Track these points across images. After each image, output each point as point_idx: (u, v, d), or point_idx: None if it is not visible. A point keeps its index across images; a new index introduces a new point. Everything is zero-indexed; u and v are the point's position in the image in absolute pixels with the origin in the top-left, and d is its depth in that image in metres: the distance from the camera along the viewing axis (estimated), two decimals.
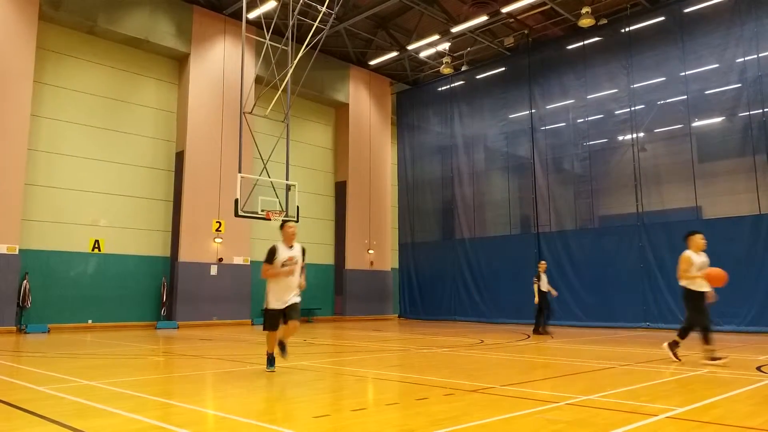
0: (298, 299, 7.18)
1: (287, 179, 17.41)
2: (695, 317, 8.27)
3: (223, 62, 20.33)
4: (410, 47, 22.06)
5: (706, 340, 8.17)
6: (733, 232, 15.62)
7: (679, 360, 8.47)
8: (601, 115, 19.54)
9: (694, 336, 8.58)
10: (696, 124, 17.50)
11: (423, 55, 22.99)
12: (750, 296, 15.07)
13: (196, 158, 19.45)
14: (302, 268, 7.28)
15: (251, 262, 20.25)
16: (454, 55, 22.61)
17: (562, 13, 19.09)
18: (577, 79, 19.84)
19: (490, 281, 20.86)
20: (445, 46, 22.01)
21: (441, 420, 4.42)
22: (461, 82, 23.52)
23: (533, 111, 20.87)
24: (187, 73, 19.75)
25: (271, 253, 7.10)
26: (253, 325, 19.60)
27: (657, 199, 17.61)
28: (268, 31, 17.15)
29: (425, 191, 24.53)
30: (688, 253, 8.46)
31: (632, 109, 18.40)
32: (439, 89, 24.23)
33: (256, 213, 16.50)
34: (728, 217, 15.97)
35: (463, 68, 23.17)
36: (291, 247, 7.21)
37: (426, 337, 14.25)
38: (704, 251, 8.53)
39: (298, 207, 17.37)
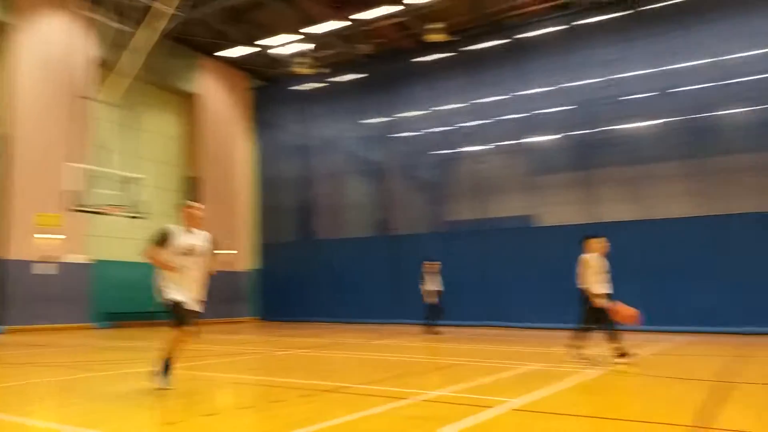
0: (199, 307, 5.99)
1: (128, 172, 16.11)
2: (592, 319, 8.45)
3: (56, 38, 18.27)
4: (268, 44, 21.67)
5: (612, 339, 8.37)
6: (560, 239, 17.46)
7: (632, 358, 8.38)
8: (449, 127, 20.79)
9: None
10: (529, 140, 19.37)
11: (282, 53, 22.70)
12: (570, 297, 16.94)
13: (28, 143, 17.23)
14: (211, 257, 6.12)
15: (91, 261, 18.45)
16: (314, 56, 22.63)
17: (413, 28, 19.96)
18: (427, 90, 20.88)
19: (349, 282, 21.10)
20: (303, 46, 21.94)
21: (297, 422, 4.40)
22: (319, 84, 23.60)
23: (387, 118, 21.57)
24: (13, 46, 17.50)
25: (163, 236, 5.81)
26: (98, 328, 17.84)
27: (496, 207, 19.15)
28: (110, 11, 15.77)
29: (285, 191, 24.21)
30: (586, 256, 8.67)
31: (475, 123, 19.83)
32: (298, 88, 24.07)
33: (95, 207, 15.09)
34: (557, 225, 17.86)
35: (322, 70, 23.27)
36: (193, 233, 5.95)
37: (284, 338, 14.07)
38: (604, 255, 8.75)
39: (143, 202, 16.19)
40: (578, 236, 17.51)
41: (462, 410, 4.99)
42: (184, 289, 5.81)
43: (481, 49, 20.01)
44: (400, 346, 11.95)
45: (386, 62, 21.80)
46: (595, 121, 17.77)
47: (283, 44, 21.64)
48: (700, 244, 15.60)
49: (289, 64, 22.77)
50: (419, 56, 21.38)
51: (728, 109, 16.32)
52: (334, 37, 21.14)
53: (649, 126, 17.75)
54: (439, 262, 15.50)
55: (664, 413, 4.91)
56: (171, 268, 5.74)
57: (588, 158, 17.64)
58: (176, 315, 5.79)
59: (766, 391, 6.09)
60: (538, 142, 19.52)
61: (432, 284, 14.99)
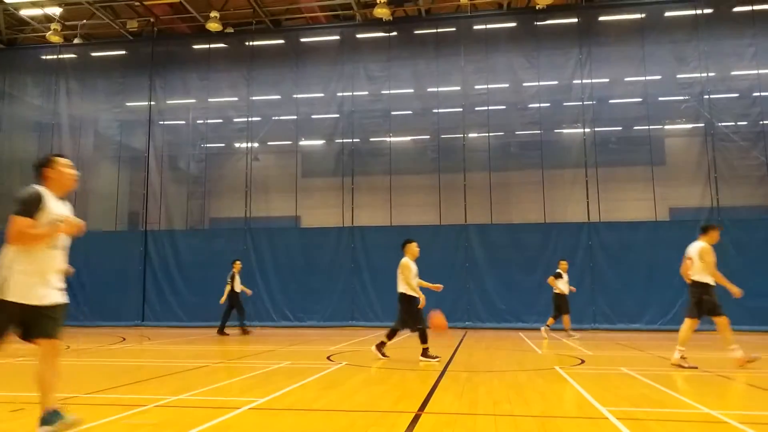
0: (64, 298, 4.17)
1: None
2: (407, 320, 8.68)
3: None
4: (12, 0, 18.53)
5: (423, 339, 8.57)
6: (323, 241, 18.10)
7: (437, 359, 8.59)
8: (221, 120, 20.15)
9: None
10: (302, 142, 19.75)
11: (24, 13, 19.60)
12: (327, 297, 17.62)
13: None
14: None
15: None
16: (67, 23, 19.98)
17: (191, 11, 18.95)
18: (200, 80, 19.93)
19: (89, 281, 18.90)
20: (55, 10, 19.23)
21: None
22: (72, 56, 20.91)
23: (152, 103, 20.01)
24: None
25: (35, 201, 3.99)
26: None
27: (263, 206, 19.06)
28: None
29: (19, 173, 20.76)
30: (406, 260, 8.83)
31: (249, 119, 19.51)
32: (44, 57, 20.99)
33: None
34: (320, 227, 18.43)
35: (76, 41, 20.67)
36: (63, 202, 4.26)
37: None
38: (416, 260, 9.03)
39: None
40: (339, 238, 18.41)
41: (201, 414, 4.80)
42: (44, 276, 4.02)
43: (260, 46, 19.81)
44: (141, 350, 11.13)
45: (157, 43, 20.25)
46: (359, 132, 18.85)
47: (31, 2, 18.70)
48: (444, 249, 17.51)
49: (38, 29, 19.80)
50: (194, 43, 20.33)
51: (474, 133, 18.65)
52: (97, 6, 18.94)
53: (406, 141, 19.44)
54: (239, 262, 15.32)
55: (392, 402, 5.35)
56: (53, 234, 4.01)
57: (350, 166, 18.59)
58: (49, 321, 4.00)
59: (467, 377, 7.03)
60: (308, 145, 20.02)
61: (239, 285, 14.71)
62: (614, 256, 16.58)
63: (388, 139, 19.09)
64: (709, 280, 8.02)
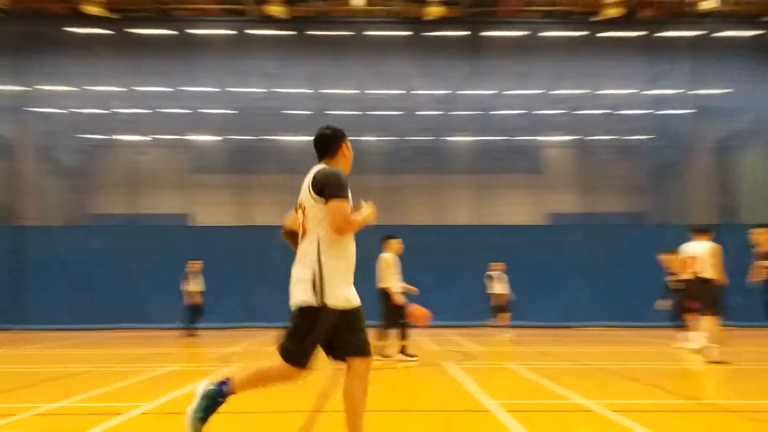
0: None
1: None
2: (389, 316, 8.61)
3: None
4: None
5: (403, 336, 8.56)
6: (215, 240, 17.56)
7: (416, 358, 8.65)
8: (104, 111, 18.88)
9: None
10: (193, 137, 19.05)
11: None
12: (220, 298, 17.10)
13: None
14: None
15: None
16: None
17: None
18: (80, 66, 18.53)
19: None
20: None
21: None
22: None
23: (23, 88, 18.34)
24: None
25: (347, 184, 3.45)
26: None
27: (150, 203, 18.15)
28: None
29: None
30: (387, 256, 8.68)
31: (135, 111, 18.48)
32: None
33: None
34: (212, 225, 17.86)
35: None
36: None
37: None
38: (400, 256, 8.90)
39: None
40: (234, 237, 17.96)
41: (83, 421, 4.56)
42: (350, 276, 3.51)
43: (147, 35, 18.78)
44: (16, 356, 10.25)
45: (28, 23, 18.53)
46: (254, 129, 18.51)
47: None
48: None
49: None
50: (73, 26, 18.85)
51: (367, 137, 18.97)
52: None
53: (303, 141, 19.38)
54: (201, 261, 14.33)
55: (285, 402, 5.38)
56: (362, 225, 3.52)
57: (244, 163, 18.21)
58: (318, 335, 3.34)
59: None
60: (199, 141, 19.36)
61: (195, 284, 13.95)
62: (499, 258, 17.53)
63: (283, 137, 18.93)
64: (719, 277, 8.28)
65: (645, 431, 4.10)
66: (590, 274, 17.59)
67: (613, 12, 17.78)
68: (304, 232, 3.38)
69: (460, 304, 16.19)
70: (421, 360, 8.93)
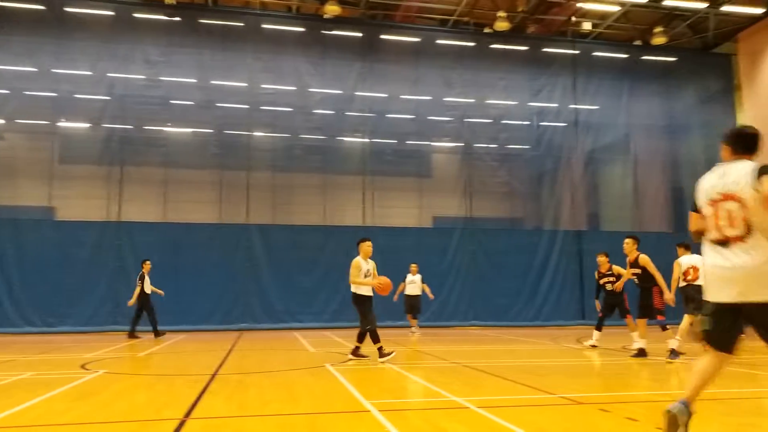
0: None
1: None
2: (365, 319, 8.47)
3: None
4: None
5: (375, 339, 8.39)
6: (83, 236, 16.19)
7: (367, 356, 8.58)
8: None
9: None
10: (61, 124, 17.49)
11: None
12: (85, 299, 15.84)
13: None
14: None
15: None
16: None
17: None
18: None
19: None
20: None
21: None
22: None
23: None
24: None
25: None
26: None
27: (8, 194, 16.40)
28: None
29: None
30: (358, 259, 8.60)
31: None
32: None
33: None
34: (80, 220, 16.44)
35: None
36: None
37: None
38: (371, 258, 8.77)
39: None
40: (103, 234, 16.70)
41: None
42: None
43: (11, 8, 16.89)
44: None
45: None
46: (132, 118, 17.32)
47: None
48: (224, 249, 16.96)
49: None
50: None
51: (257, 132, 18.45)
52: None
53: (186, 133, 18.45)
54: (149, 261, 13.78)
55: (155, 410, 5.03)
56: None
57: (119, 154, 17.00)
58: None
59: (239, 379, 6.97)
60: (68, 128, 17.79)
61: (149, 286, 13.49)
62: (385, 259, 17.70)
63: (165, 128, 17.91)
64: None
65: (507, 425, 4.25)
66: (470, 276, 18.32)
67: (502, 26, 18.69)
68: (745, 225, 3.44)
69: (344, 304, 16.17)
70: (303, 362, 8.77)
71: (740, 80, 20.20)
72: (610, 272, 10.71)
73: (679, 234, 19.43)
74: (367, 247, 8.77)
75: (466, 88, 19.32)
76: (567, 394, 5.61)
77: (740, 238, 3.41)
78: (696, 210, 3.72)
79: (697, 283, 9.07)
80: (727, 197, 3.48)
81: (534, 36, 20.04)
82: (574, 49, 20.12)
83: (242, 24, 18.27)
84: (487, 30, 19.43)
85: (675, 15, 19.26)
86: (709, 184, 3.64)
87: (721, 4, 18.03)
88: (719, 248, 3.52)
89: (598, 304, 11.05)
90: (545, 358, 9.59)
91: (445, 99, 19.29)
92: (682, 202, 20.03)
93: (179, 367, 8.37)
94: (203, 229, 17.12)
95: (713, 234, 3.57)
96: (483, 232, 18.81)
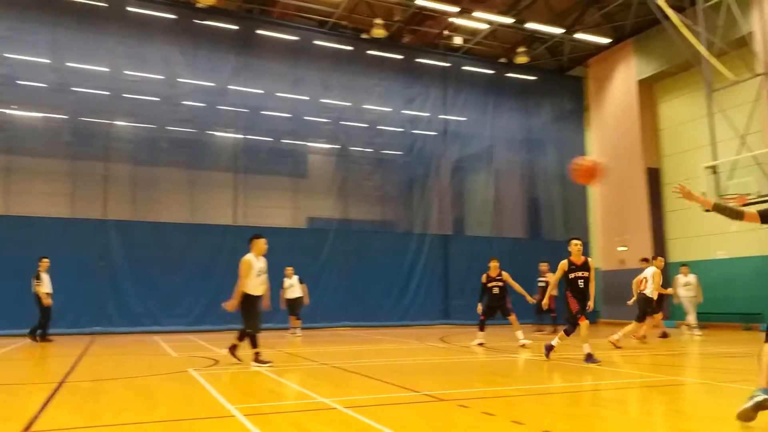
0: None
1: None
2: (249, 321, 8.08)
3: None
4: None
5: (254, 344, 8.04)
6: None
7: (240, 361, 8.17)
8: None
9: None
10: None
11: None
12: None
13: None
14: None
15: None
16: None
17: None
18: None
19: None
20: None
21: None
22: None
23: None
24: None
25: None
26: None
27: None
28: None
29: None
30: (249, 256, 8.14)
31: None
32: None
33: None
34: None
35: None
36: None
37: None
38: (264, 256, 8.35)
39: None
40: None
41: None
42: None
43: None
44: None
45: None
46: None
47: None
48: (76, 246, 15.57)
49: None
50: None
51: (119, 121, 17.17)
52: None
53: (35, 117, 16.71)
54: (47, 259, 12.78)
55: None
56: None
57: None
58: None
59: (90, 386, 6.47)
60: None
61: (48, 285, 12.70)
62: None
63: (9, 111, 16.08)
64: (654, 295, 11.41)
65: (372, 424, 4.35)
66: (342, 277, 18.48)
67: (379, 33, 19.08)
68: None
69: (210, 306, 15.60)
70: (163, 367, 8.32)
71: (589, 102, 22.34)
72: (499, 277, 11.22)
73: (534, 240, 21.22)
74: (262, 244, 8.32)
75: (343, 91, 19.46)
76: (429, 391, 5.84)
77: None
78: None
79: (646, 292, 11.21)
80: None
81: (408, 46, 20.70)
82: (445, 62, 21.06)
83: (104, 4, 16.90)
84: (364, 36, 19.75)
85: (536, 38, 20.90)
86: None
87: (575, 32, 19.83)
88: None
89: (480, 307, 11.32)
90: (411, 357, 9.94)
91: (322, 100, 19.27)
92: (536, 210, 21.77)
93: (21, 376, 7.59)
94: (53, 223, 15.61)
95: None
96: (356, 233, 19.05)
